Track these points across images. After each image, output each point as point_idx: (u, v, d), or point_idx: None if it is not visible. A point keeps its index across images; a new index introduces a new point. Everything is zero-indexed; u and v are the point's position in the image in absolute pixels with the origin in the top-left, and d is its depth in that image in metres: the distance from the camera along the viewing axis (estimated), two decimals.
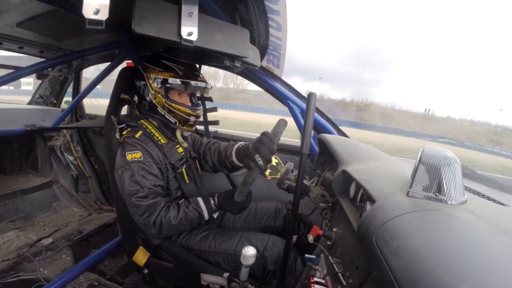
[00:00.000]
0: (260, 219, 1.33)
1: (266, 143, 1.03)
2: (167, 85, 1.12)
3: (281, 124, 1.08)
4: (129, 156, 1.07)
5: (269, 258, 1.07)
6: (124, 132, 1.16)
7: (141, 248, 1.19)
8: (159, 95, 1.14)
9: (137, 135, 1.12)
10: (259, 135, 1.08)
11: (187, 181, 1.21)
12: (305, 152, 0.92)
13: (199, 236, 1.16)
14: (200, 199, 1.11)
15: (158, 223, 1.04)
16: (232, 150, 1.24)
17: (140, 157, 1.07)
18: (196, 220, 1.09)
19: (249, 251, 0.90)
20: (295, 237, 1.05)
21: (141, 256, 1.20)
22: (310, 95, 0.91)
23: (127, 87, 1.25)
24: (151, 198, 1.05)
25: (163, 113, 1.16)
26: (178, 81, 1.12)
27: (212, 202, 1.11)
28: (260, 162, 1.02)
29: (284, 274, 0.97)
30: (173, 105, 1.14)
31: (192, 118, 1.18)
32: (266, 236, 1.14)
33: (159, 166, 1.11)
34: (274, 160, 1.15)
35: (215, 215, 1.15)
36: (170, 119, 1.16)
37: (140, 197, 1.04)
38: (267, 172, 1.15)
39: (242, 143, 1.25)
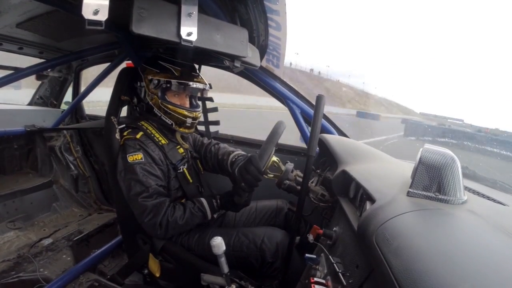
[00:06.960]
0: (261, 218, 1.33)
1: (252, 172, 1.02)
2: (163, 86, 1.12)
3: (280, 126, 1.08)
4: (130, 158, 1.08)
5: (267, 250, 1.07)
6: (125, 133, 1.16)
7: (150, 255, 1.18)
8: (155, 96, 1.14)
9: (138, 136, 1.12)
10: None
11: (191, 180, 1.21)
12: (312, 154, 0.90)
13: (197, 236, 1.16)
14: (203, 200, 1.12)
15: (165, 223, 1.04)
16: (227, 161, 1.26)
17: (141, 159, 1.08)
18: (199, 220, 1.11)
19: (216, 240, 0.89)
20: (298, 238, 1.04)
21: (153, 264, 1.19)
22: (319, 97, 0.90)
23: (127, 88, 1.25)
24: (155, 198, 1.05)
25: (159, 115, 1.16)
26: (173, 82, 1.11)
27: (214, 203, 1.13)
28: (246, 190, 1.05)
29: (286, 273, 0.97)
30: (169, 106, 1.14)
31: (189, 120, 1.17)
32: (263, 229, 1.14)
33: (160, 167, 1.11)
34: (273, 160, 1.14)
35: (215, 215, 1.17)
36: (166, 121, 1.16)
37: (145, 197, 1.04)
38: (269, 171, 1.15)
39: (237, 154, 1.26)
